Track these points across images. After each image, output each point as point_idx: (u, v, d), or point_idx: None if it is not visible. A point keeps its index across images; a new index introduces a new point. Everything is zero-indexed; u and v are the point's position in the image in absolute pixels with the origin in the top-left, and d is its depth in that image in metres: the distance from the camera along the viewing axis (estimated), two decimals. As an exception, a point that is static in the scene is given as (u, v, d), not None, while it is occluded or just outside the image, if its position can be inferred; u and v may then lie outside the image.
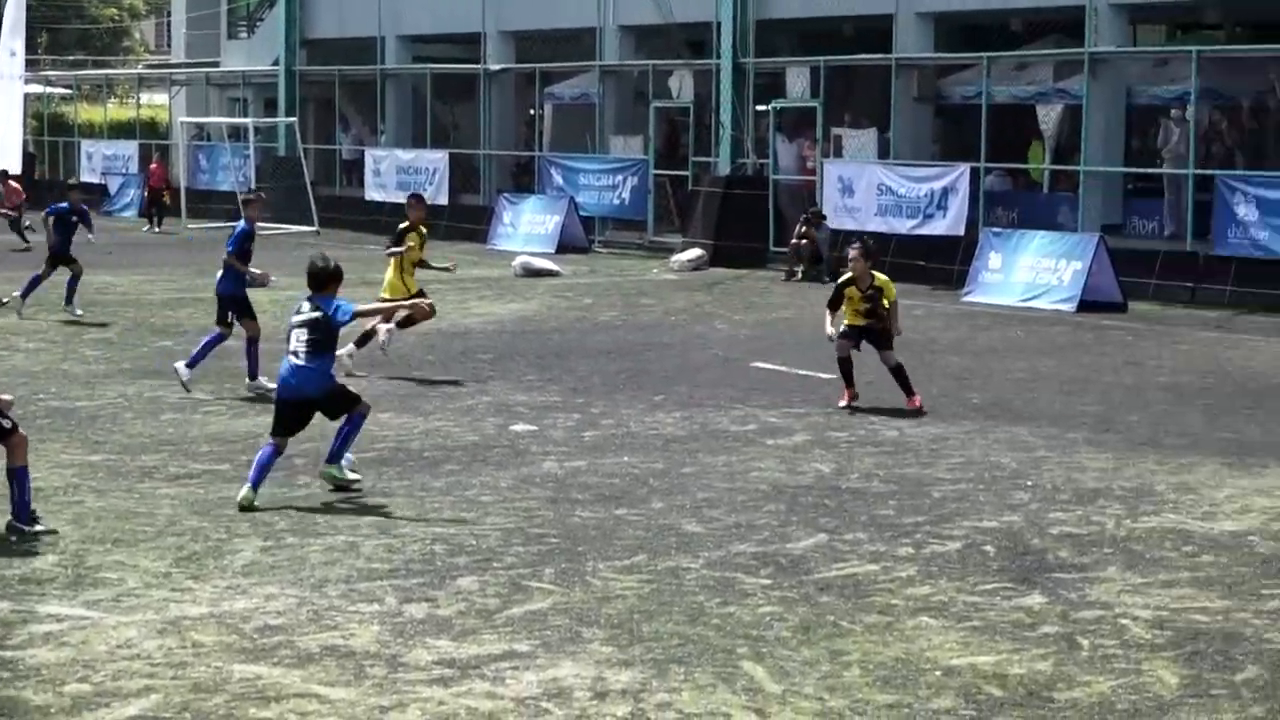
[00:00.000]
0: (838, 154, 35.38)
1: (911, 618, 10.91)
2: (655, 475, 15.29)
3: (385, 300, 20.60)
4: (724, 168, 37.47)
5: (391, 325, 21.56)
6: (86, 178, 53.49)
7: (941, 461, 15.94)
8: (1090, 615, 10.99)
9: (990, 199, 33.38)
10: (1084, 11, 31.71)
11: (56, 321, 25.64)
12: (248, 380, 19.47)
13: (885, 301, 18.79)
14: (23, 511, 12.77)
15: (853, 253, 18.95)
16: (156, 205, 47.27)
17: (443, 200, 43.22)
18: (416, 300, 18.47)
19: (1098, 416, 18.42)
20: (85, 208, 27.80)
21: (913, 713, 9.20)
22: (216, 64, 57.23)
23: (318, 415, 14.38)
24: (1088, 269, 28.28)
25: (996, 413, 18.60)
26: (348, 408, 14.37)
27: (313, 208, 45.58)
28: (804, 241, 33.28)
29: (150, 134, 59.83)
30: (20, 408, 14.84)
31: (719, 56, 37.71)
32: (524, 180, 44.17)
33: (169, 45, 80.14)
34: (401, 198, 44.46)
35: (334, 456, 14.45)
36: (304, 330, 14.20)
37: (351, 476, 14.53)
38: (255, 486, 13.86)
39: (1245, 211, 28.50)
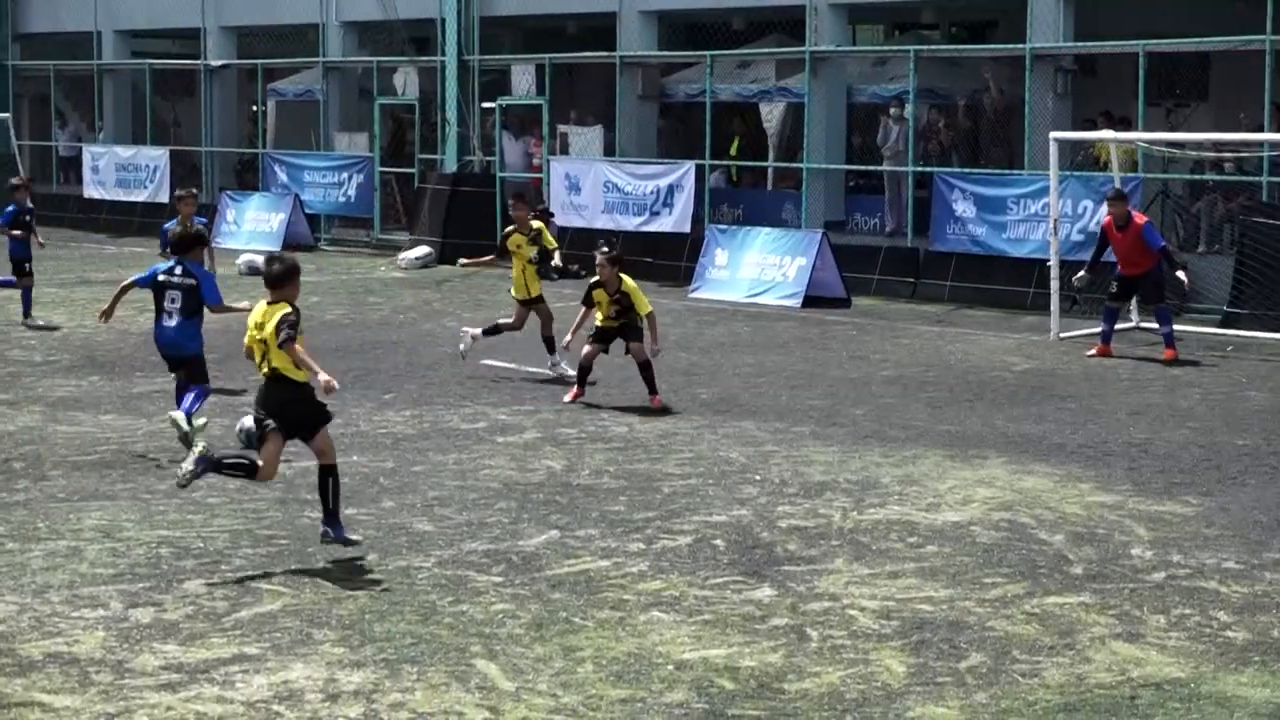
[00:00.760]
0: (564, 151, 35.46)
1: (643, 612, 10.96)
2: (385, 474, 15.19)
3: (516, 300, 21.43)
4: (450, 165, 37.34)
5: (477, 331, 21.54)
6: None
7: (671, 457, 16.04)
8: (819, 607, 11.13)
9: (716, 196, 33.70)
10: (804, 11, 32.12)
11: None
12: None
13: (640, 314, 19.01)
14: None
15: (599, 258, 19.10)
16: None
17: (164, 198, 42.53)
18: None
19: (824, 410, 18.67)
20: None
21: (646, 707, 9.25)
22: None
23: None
24: (812, 265, 28.67)
25: (724, 408, 18.77)
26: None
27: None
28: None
29: None
30: None
31: (444, 53, 37.58)
32: (247, 178, 43.60)
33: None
34: (121, 195, 43.97)
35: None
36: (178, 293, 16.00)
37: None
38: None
39: (963, 208, 29.09)
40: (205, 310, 16.42)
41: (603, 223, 33.09)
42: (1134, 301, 25.16)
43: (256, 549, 12.47)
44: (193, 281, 16.24)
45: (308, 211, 39.56)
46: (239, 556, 12.26)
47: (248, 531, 12.99)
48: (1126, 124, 28.66)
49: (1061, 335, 24.23)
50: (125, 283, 16.73)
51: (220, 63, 43.53)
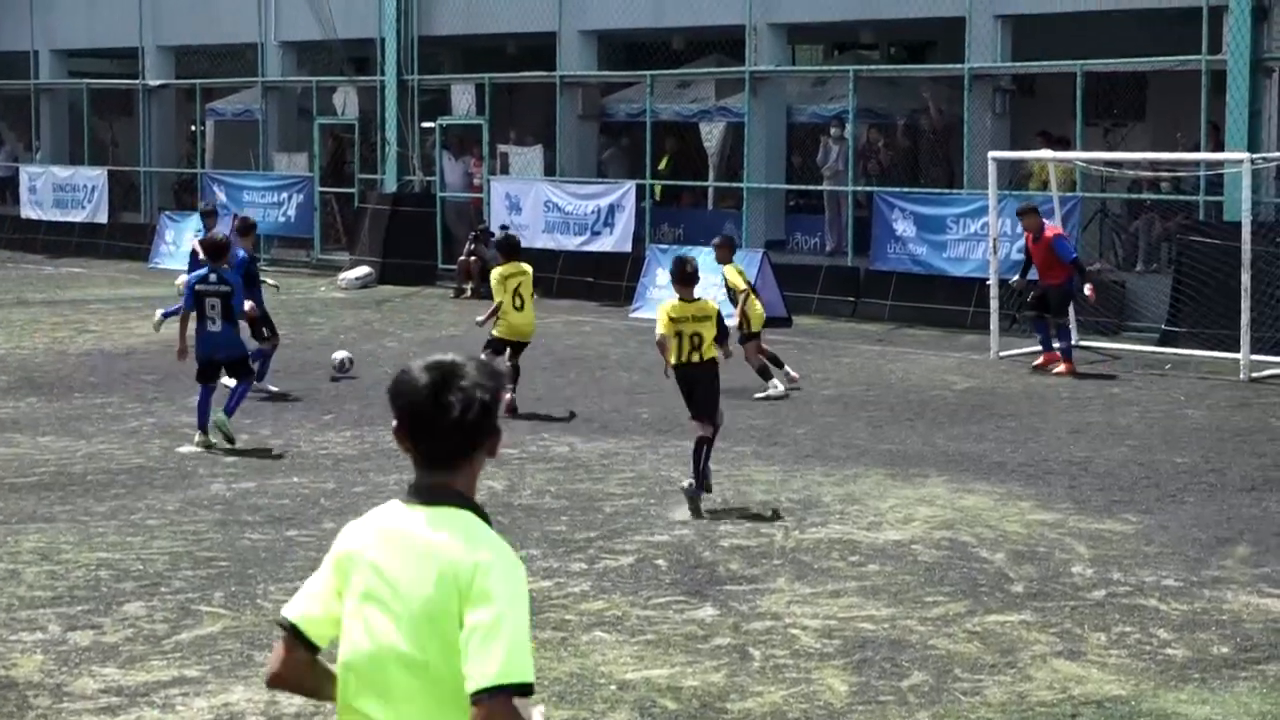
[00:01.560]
0: (504, 171, 35.41)
1: (586, 633, 10.95)
2: (326, 495, 15.14)
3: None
4: (390, 185, 37.26)
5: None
6: None
7: (613, 476, 16.04)
8: (761, 626, 11.14)
9: (656, 216, 33.72)
10: (744, 31, 32.19)
11: None
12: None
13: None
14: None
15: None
16: None
17: (102, 219, 42.36)
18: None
19: (765, 430, 18.70)
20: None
21: (589, 728, 9.23)
22: None
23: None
24: (753, 284, 28.64)
25: (666, 427, 18.77)
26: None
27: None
28: (472, 259, 33.23)
29: None
30: None
31: (383, 73, 37.51)
32: (186, 198, 43.39)
33: None
34: (59, 216, 43.72)
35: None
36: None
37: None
38: (204, 429, 17.05)
39: (903, 228, 29.18)
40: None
41: (543, 242, 33.07)
42: (1073, 320, 25.32)
43: (196, 571, 12.41)
44: (227, 288, 17.35)
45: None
46: (179, 578, 12.19)
47: (187, 553, 12.92)
48: (1065, 143, 28.82)
49: (1001, 354, 24.32)
50: (181, 314, 17.72)
51: (158, 82, 43.35)
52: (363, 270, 35.20)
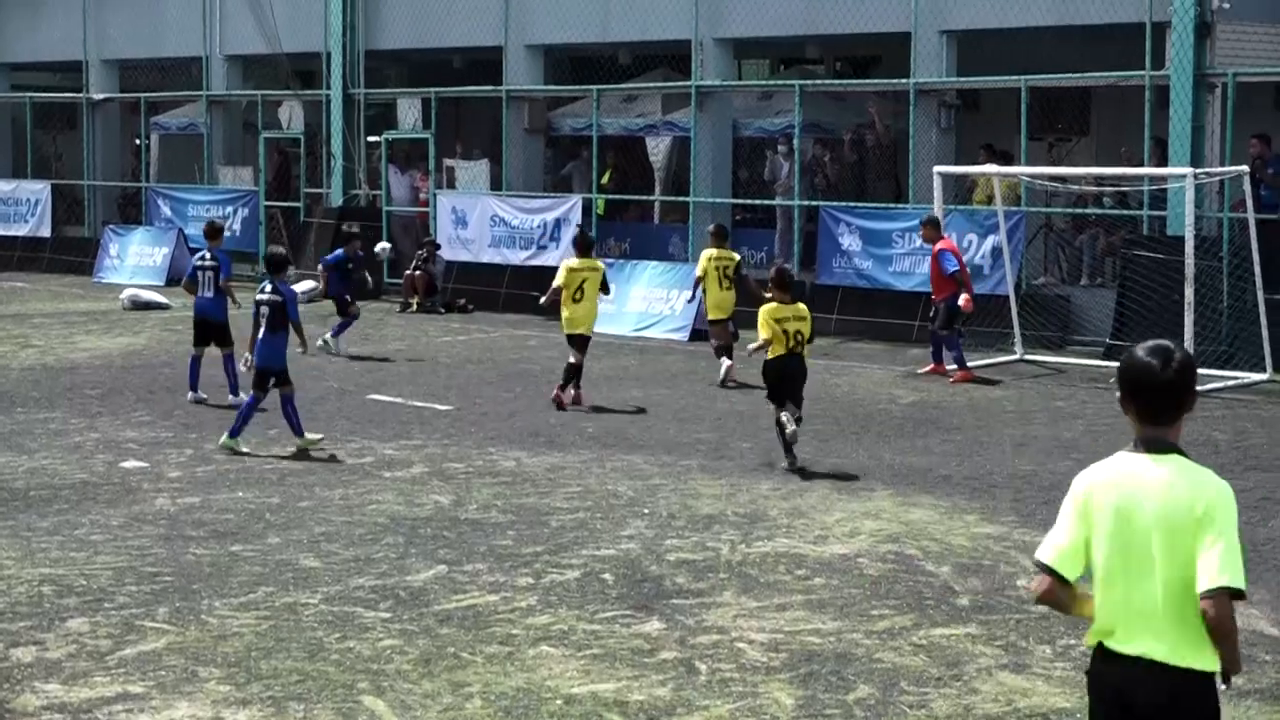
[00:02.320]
0: (450, 185, 35.38)
1: (532, 647, 10.93)
2: (271, 510, 15.09)
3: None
4: (336, 199, 37.19)
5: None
6: None
7: (559, 491, 16.02)
8: (707, 640, 11.13)
9: (602, 230, 33.71)
10: (690, 46, 32.24)
11: None
12: None
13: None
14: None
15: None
16: None
17: (45, 233, 42.18)
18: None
19: (711, 444, 18.71)
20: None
21: (536, 742, 9.21)
22: None
23: None
24: (699, 299, 28.68)
25: (612, 441, 18.76)
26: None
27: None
28: (419, 273, 33.21)
29: None
30: None
31: (329, 87, 37.45)
32: (131, 212, 43.23)
33: None
34: (2, 230, 43.45)
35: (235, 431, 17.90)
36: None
37: (244, 449, 17.78)
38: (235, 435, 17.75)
39: (849, 242, 29.26)
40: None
41: (489, 256, 33.07)
42: (1018, 334, 25.45)
43: (140, 586, 12.35)
44: (279, 299, 18.12)
45: (192, 245, 39.19)
46: (123, 594, 12.13)
47: (131, 569, 12.85)
48: (1009, 158, 28.94)
49: (947, 368, 24.38)
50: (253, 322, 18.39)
51: (102, 96, 43.18)
52: (308, 284, 35.10)
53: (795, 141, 31.15)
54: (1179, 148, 25.97)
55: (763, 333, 17.43)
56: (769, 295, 17.87)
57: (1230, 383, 23.05)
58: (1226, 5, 25.94)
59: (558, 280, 21.86)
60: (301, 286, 34.91)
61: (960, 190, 29.15)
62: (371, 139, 37.23)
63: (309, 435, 18.22)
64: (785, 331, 17.50)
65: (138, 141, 44.05)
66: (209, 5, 40.07)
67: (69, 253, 41.83)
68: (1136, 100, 26.93)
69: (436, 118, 35.65)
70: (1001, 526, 14.60)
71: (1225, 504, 6.25)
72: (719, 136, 32.66)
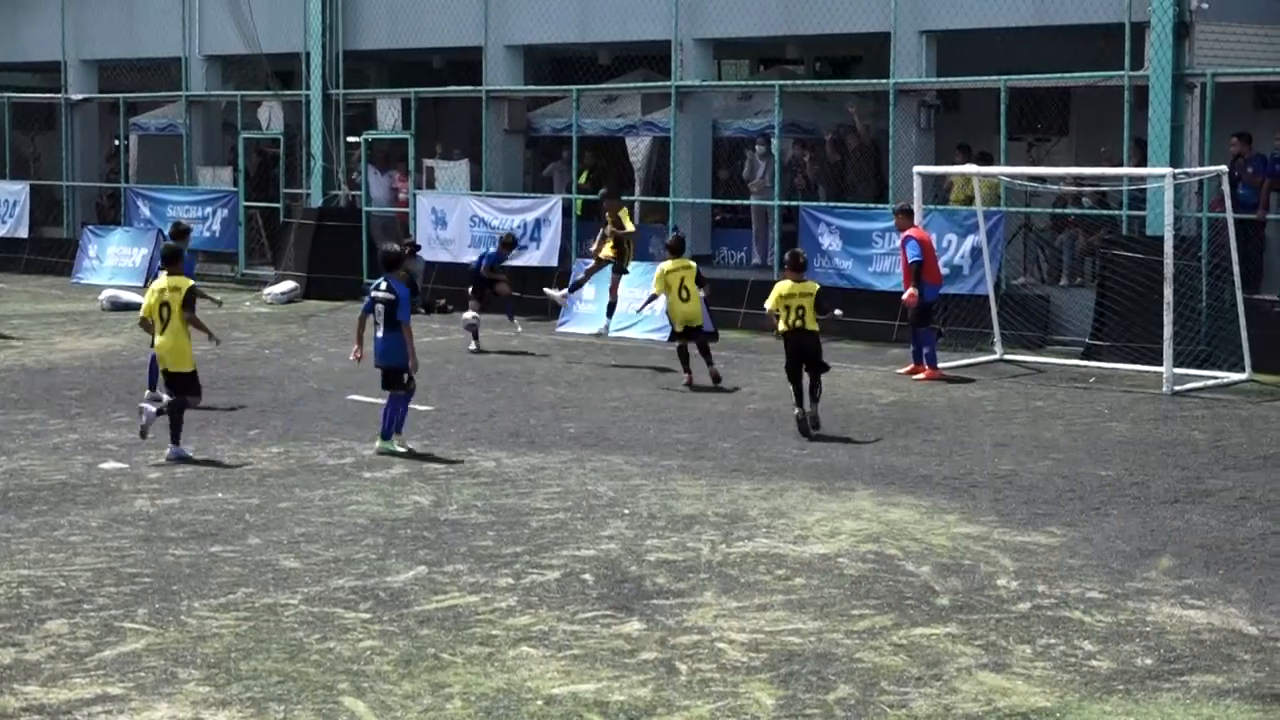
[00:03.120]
0: (430, 186, 35.34)
1: (512, 648, 10.92)
2: (251, 511, 15.06)
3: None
4: (316, 199, 37.13)
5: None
6: None
7: (539, 491, 16.01)
8: (688, 640, 11.13)
9: (582, 229, 33.68)
10: (670, 46, 32.24)
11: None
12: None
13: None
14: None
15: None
16: None
17: (23, 234, 42.08)
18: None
19: (691, 444, 18.70)
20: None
21: (516, 743, 9.21)
22: None
23: None
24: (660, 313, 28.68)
25: (592, 442, 18.76)
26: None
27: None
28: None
29: None
30: None
31: (308, 87, 37.38)
32: (110, 213, 43.14)
33: None
34: (-19, 230, 43.36)
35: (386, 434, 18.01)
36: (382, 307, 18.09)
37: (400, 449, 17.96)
38: (387, 436, 17.92)
39: (829, 242, 29.27)
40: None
41: (469, 256, 33.02)
42: (998, 334, 25.48)
43: (120, 587, 12.32)
44: (392, 297, 18.13)
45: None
46: (102, 595, 12.10)
47: (110, 570, 12.83)
48: (986, 158, 28.96)
49: (925, 367, 24.40)
50: (359, 317, 18.71)
51: (81, 96, 43.10)
52: (288, 285, 35.08)
53: (775, 142, 31.15)
54: (1158, 148, 26.00)
55: (769, 304, 19.73)
56: (786, 278, 19.89)
57: (1209, 382, 23.10)
58: (1205, 5, 25.96)
59: (655, 286, 24.07)
60: (281, 288, 34.92)
61: (939, 190, 29.17)
62: (351, 139, 37.16)
63: (395, 442, 18.04)
64: (788, 307, 19.46)
65: (116, 142, 43.95)
66: (188, 6, 40.00)
67: (47, 253, 41.74)
68: (1116, 100, 26.97)
69: (416, 118, 35.62)
70: (981, 526, 14.61)
71: None
72: (699, 137, 32.64)
